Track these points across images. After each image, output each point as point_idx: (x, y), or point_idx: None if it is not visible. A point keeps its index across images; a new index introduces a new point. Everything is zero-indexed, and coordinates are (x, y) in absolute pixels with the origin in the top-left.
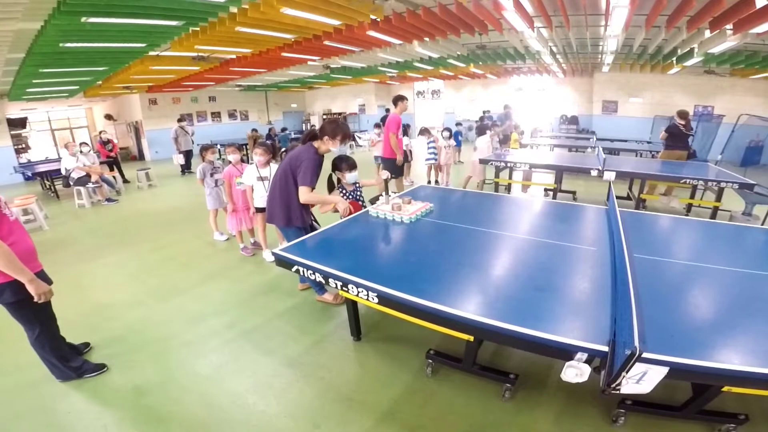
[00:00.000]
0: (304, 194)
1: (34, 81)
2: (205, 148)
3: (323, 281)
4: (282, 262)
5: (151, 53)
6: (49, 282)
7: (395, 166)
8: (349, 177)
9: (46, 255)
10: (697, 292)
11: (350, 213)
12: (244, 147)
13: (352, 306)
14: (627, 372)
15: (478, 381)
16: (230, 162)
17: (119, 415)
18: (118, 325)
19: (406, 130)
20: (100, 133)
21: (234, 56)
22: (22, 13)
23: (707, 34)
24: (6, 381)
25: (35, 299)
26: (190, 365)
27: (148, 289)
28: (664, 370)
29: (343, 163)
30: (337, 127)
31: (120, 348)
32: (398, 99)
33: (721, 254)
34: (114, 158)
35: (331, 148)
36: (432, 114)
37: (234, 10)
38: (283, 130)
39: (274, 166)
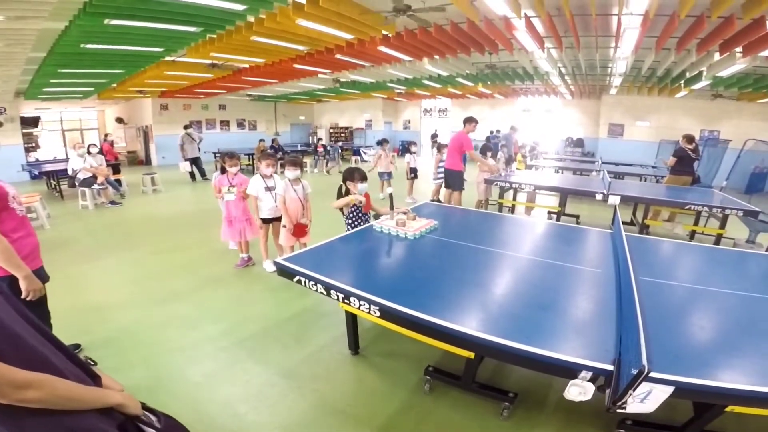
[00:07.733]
0: None
1: (51, 81)
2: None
3: (325, 293)
4: (284, 272)
5: (167, 58)
6: (46, 279)
7: (460, 179)
8: (360, 188)
9: (46, 254)
10: (702, 314)
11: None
12: (249, 157)
13: (352, 320)
14: (634, 390)
15: (477, 399)
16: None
17: None
18: (112, 327)
19: (409, 147)
20: (106, 135)
21: (247, 65)
22: (49, 12)
23: (716, 56)
24: None
25: (23, 295)
26: (181, 370)
27: (145, 292)
28: (670, 389)
29: (355, 174)
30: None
31: (111, 350)
32: (469, 120)
33: (725, 278)
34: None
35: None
36: (439, 132)
37: (251, 19)
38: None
39: (277, 178)
